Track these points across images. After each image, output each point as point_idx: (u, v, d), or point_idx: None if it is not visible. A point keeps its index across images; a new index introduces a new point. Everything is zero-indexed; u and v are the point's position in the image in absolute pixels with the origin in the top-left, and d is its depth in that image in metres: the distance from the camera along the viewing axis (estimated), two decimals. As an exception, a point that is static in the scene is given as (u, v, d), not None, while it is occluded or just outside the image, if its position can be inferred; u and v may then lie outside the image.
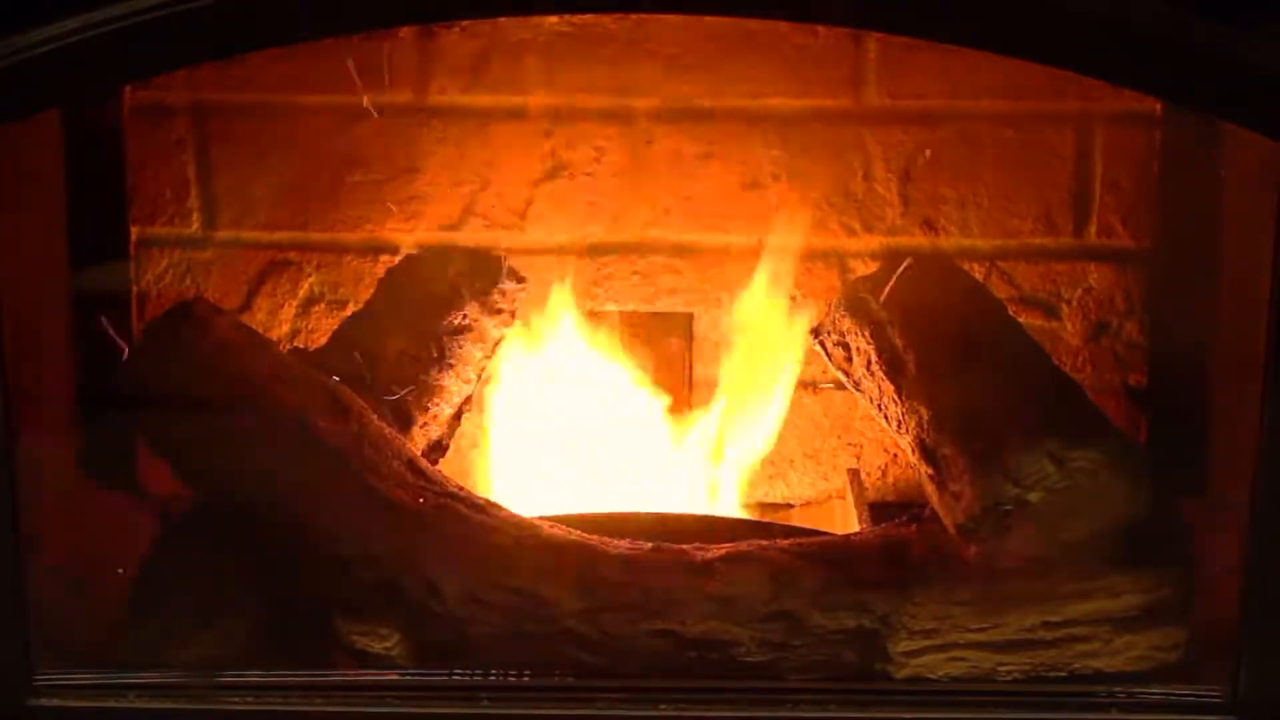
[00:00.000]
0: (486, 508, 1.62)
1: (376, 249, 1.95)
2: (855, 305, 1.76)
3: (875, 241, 1.92)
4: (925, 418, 1.63)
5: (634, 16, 1.85)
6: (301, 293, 1.96)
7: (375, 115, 1.84)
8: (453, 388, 1.80)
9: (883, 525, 1.68)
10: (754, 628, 1.55)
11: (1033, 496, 1.53)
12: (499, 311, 1.85)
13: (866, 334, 1.73)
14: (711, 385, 1.96)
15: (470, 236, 1.93)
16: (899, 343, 1.70)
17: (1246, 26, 1.34)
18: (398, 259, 1.91)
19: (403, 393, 1.75)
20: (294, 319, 1.97)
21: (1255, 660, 1.47)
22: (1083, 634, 1.55)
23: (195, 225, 1.95)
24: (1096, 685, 1.54)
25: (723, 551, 1.59)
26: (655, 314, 1.96)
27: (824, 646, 1.56)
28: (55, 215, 1.81)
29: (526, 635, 1.55)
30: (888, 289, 1.74)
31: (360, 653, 1.56)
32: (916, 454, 1.64)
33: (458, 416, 1.82)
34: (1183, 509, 1.62)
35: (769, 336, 1.90)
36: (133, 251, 1.92)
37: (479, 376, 1.84)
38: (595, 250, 1.93)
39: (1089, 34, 1.36)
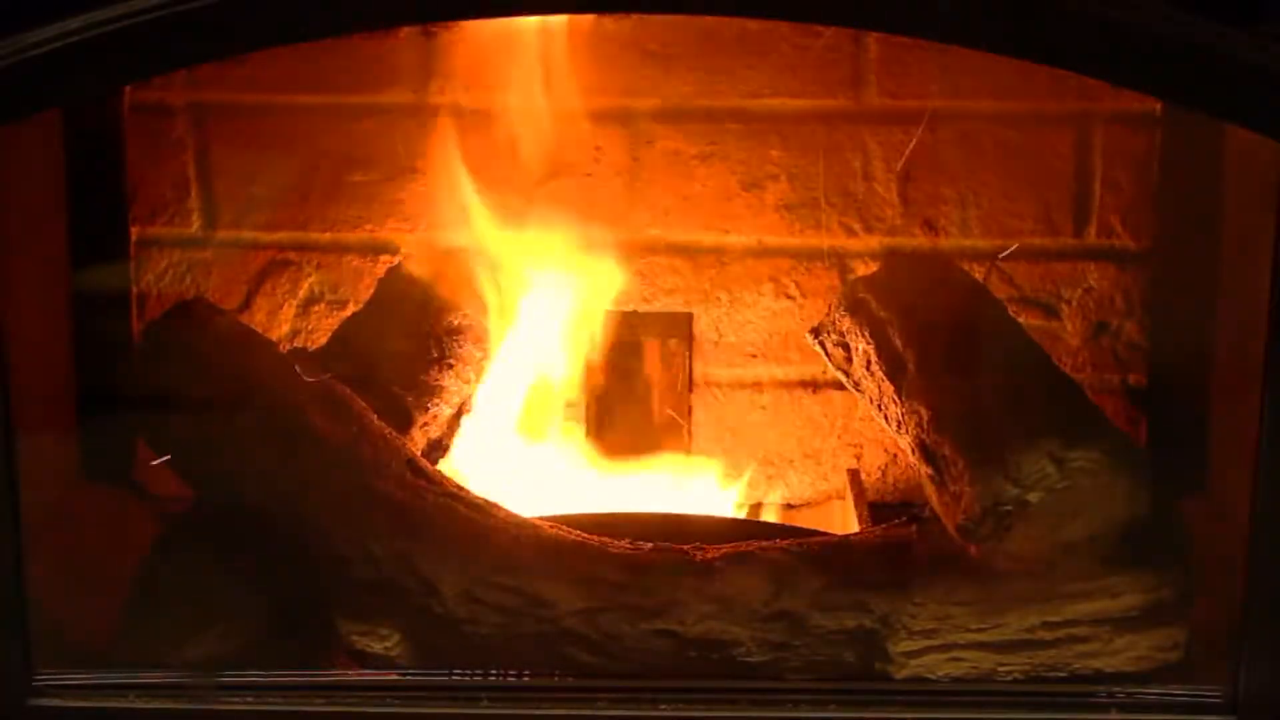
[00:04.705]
0: (486, 508, 1.62)
1: (376, 249, 1.95)
2: (855, 305, 1.76)
3: (875, 241, 1.92)
4: (925, 418, 1.63)
5: (634, 16, 1.85)
6: (301, 293, 1.96)
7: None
8: (453, 388, 1.81)
9: (883, 525, 1.68)
10: (754, 628, 1.55)
11: (1033, 496, 1.53)
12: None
13: (866, 334, 1.73)
14: (712, 385, 1.97)
15: (470, 237, 1.93)
16: (899, 343, 1.70)
17: (1246, 26, 1.34)
18: (397, 259, 1.91)
19: (402, 393, 1.76)
20: (294, 319, 1.96)
21: (1255, 660, 1.47)
22: (1083, 634, 1.55)
23: (195, 225, 1.95)
24: (1096, 685, 1.54)
25: (723, 551, 1.59)
26: (655, 314, 1.96)
27: (824, 646, 1.55)
28: (55, 215, 1.81)
29: (526, 635, 1.55)
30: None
31: (360, 653, 1.56)
32: (916, 454, 1.64)
33: (458, 416, 1.82)
34: (1183, 509, 1.62)
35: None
36: (133, 251, 1.92)
37: (479, 376, 1.84)
38: (596, 250, 1.93)
39: (1089, 34, 1.36)
